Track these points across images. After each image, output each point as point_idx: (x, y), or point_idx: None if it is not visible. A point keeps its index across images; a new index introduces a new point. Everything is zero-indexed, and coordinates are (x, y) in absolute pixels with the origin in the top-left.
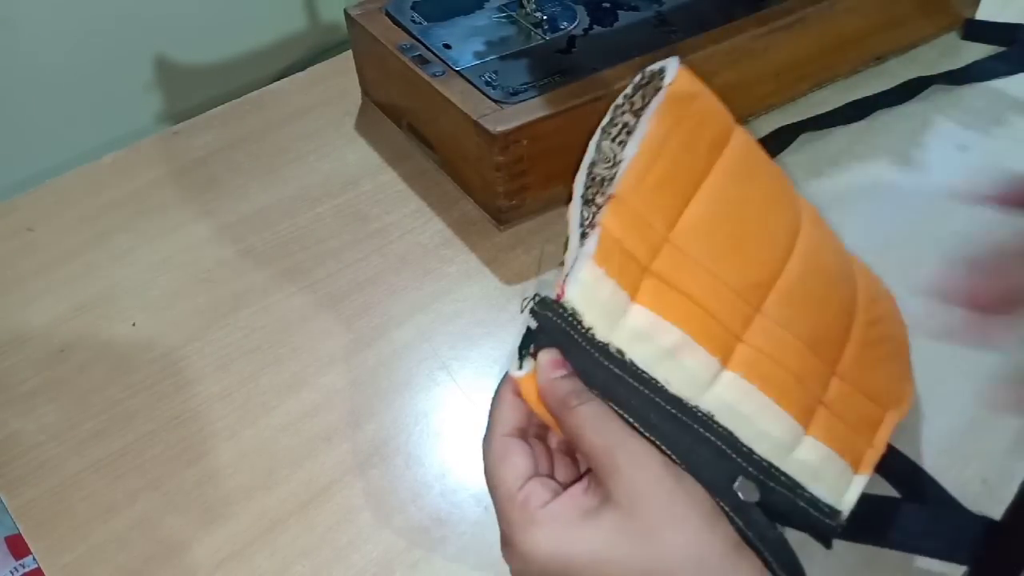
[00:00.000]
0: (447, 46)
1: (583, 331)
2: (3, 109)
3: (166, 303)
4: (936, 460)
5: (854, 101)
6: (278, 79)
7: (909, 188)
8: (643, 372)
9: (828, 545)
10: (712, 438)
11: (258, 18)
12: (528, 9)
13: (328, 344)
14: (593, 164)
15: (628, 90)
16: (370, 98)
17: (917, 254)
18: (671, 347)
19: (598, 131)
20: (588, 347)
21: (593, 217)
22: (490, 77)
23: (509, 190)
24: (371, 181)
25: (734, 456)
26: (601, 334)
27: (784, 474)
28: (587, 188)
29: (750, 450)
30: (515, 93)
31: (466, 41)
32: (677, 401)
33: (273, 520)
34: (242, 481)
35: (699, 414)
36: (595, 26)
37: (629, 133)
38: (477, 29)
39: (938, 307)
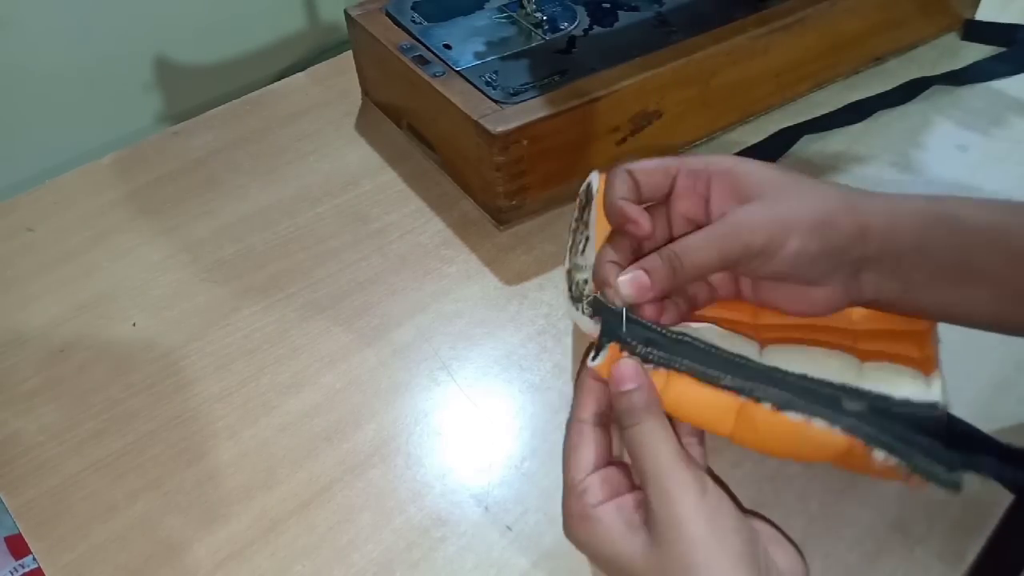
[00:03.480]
0: (447, 46)
1: (642, 321)
2: (3, 109)
3: (166, 303)
4: None
5: (854, 102)
6: (278, 79)
7: (908, 188)
8: (709, 341)
9: (946, 449)
10: (792, 381)
11: (258, 18)
12: (528, 9)
13: (328, 344)
14: (570, 271)
15: (575, 213)
16: (370, 98)
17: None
18: (719, 333)
19: (567, 252)
20: (648, 326)
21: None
22: (490, 77)
23: (509, 190)
24: (371, 181)
25: (821, 389)
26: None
27: (867, 390)
28: (571, 290)
29: (829, 381)
30: (515, 93)
31: (466, 41)
32: (747, 359)
33: (273, 520)
34: (242, 481)
35: (768, 368)
36: (595, 26)
37: (587, 242)
38: (477, 29)
39: None
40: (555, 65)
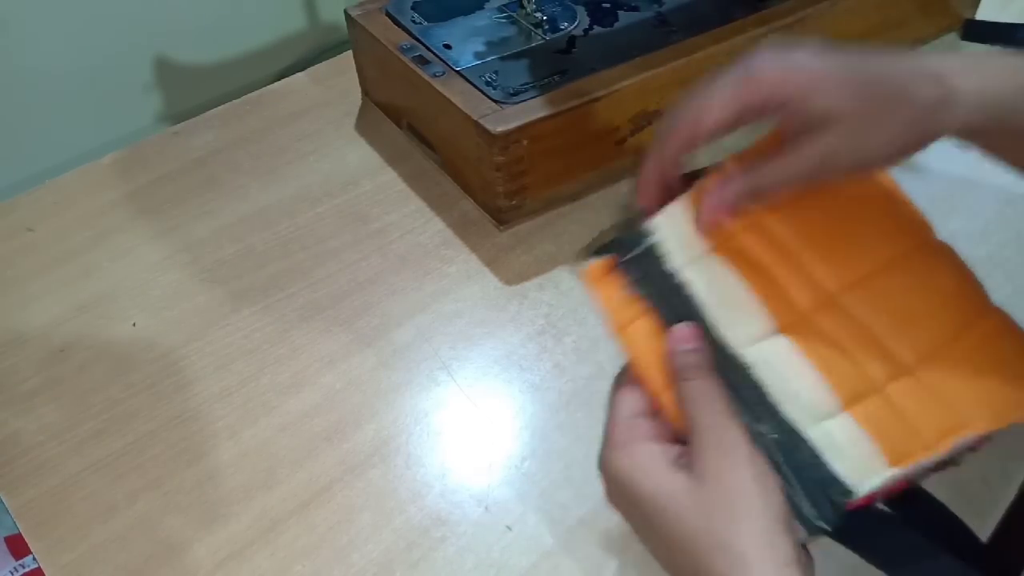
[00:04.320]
0: (447, 46)
1: (658, 256)
2: (3, 109)
3: (166, 303)
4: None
5: None
6: (278, 79)
7: (908, 188)
8: (697, 307)
9: (814, 532)
10: (749, 385)
11: (258, 18)
12: (528, 9)
13: (328, 344)
14: None
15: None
16: (370, 98)
17: None
18: (730, 298)
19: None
20: (654, 260)
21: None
22: (490, 77)
23: (509, 190)
24: (371, 181)
25: (756, 407)
26: (674, 263)
27: (804, 439)
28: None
29: (775, 407)
30: (515, 93)
31: (466, 41)
32: (720, 342)
33: (273, 520)
34: (242, 481)
35: (738, 360)
36: (595, 26)
37: None
38: (477, 29)
39: None
40: (555, 65)
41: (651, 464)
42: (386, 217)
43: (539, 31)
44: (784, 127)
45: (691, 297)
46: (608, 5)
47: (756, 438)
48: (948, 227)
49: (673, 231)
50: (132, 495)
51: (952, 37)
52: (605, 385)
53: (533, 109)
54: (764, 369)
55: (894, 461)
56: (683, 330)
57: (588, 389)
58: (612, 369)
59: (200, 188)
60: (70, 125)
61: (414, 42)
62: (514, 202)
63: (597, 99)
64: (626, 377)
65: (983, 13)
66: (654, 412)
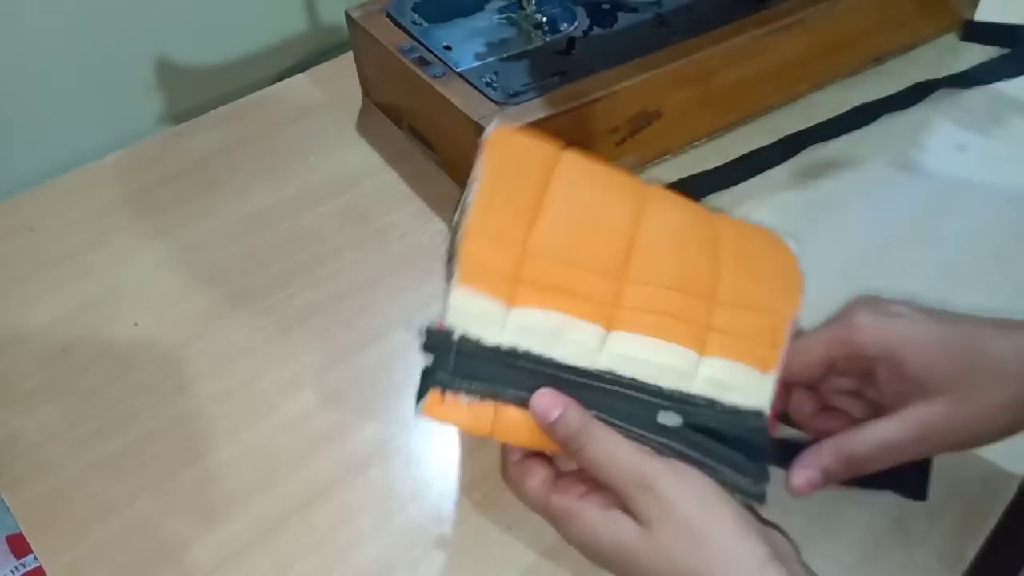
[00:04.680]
0: (448, 47)
1: (473, 342)
2: (4, 109)
3: (167, 303)
4: (936, 459)
5: (859, 106)
6: (279, 80)
7: (908, 188)
8: (539, 355)
9: (764, 462)
10: (619, 388)
11: (259, 19)
12: (528, 11)
13: (328, 344)
14: (453, 225)
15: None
16: (371, 99)
17: (916, 254)
18: (555, 328)
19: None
20: (480, 352)
21: (453, 258)
22: (490, 78)
23: None
24: (372, 181)
25: (645, 397)
26: (491, 340)
27: (695, 396)
28: (449, 246)
29: (658, 387)
30: (515, 94)
31: (466, 42)
32: (577, 370)
33: (273, 520)
34: (242, 481)
35: (601, 373)
36: (595, 27)
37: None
38: (477, 30)
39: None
40: (555, 66)
41: (596, 522)
42: (387, 217)
43: (539, 32)
44: (881, 382)
45: (527, 353)
46: (608, 6)
47: (662, 449)
48: (948, 227)
49: (469, 316)
50: (132, 495)
51: (952, 37)
52: None
53: (533, 110)
54: (625, 364)
55: (765, 367)
56: (541, 400)
57: None
58: None
59: (201, 188)
60: (71, 125)
61: (414, 43)
62: None
63: (597, 100)
64: (510, 467)
65: (982, 13)
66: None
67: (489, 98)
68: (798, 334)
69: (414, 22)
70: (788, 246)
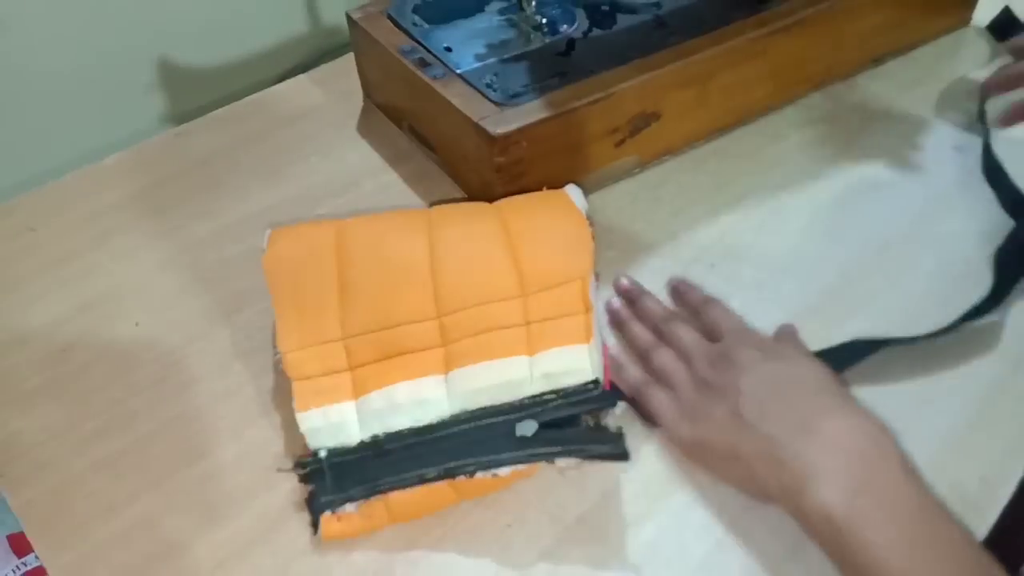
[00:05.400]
0: (448, 49)
1: (340, 451)
2: (5, 109)
3: (168, 303)
4: (936, 459)
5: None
6: (280, 81)
7: (907, 189)
8: (399, 431)
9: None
10: (475, 423)
11: (260, 20)
12: (528, 12)
13: None
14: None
15: None
16: (371, 100)
17: (915, 254)
18: (401, 400)
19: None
20: (350, 456)
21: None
22: (490, 79)
23: (509, 191)
24: (372, 182)
25: (500, 418)
26: (354, 440)
27: (540, 395)
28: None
29: (508, 404)
30: (515, 95)
31: (467, 44)
32: (432, 427)
33: (273, 520)
34: (243, 481)
35: (455, 418)
36: (594, 29)
37: None
38: (477, 32)
39: (934, 307)
40: (554, 67)
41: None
42: None
43: (539, 33)
44: None
45: (388, 435)
46: (607, 7)
47: (530, 459)
48: (948, 227)
49: (324, 432)
50: (133, 494)
51: (952, 37)
52: None
53: (533, 111)
54: (472, 399)
55: (587, 338)
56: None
57: None
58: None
59: (202, 189)
60: (72, 126)
61: (415, 44)
62: None
63: (596, 101)
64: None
65: (981, 14)
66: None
67: (489, 99)
68: None
69: (414, 23)
70: (572, 201)
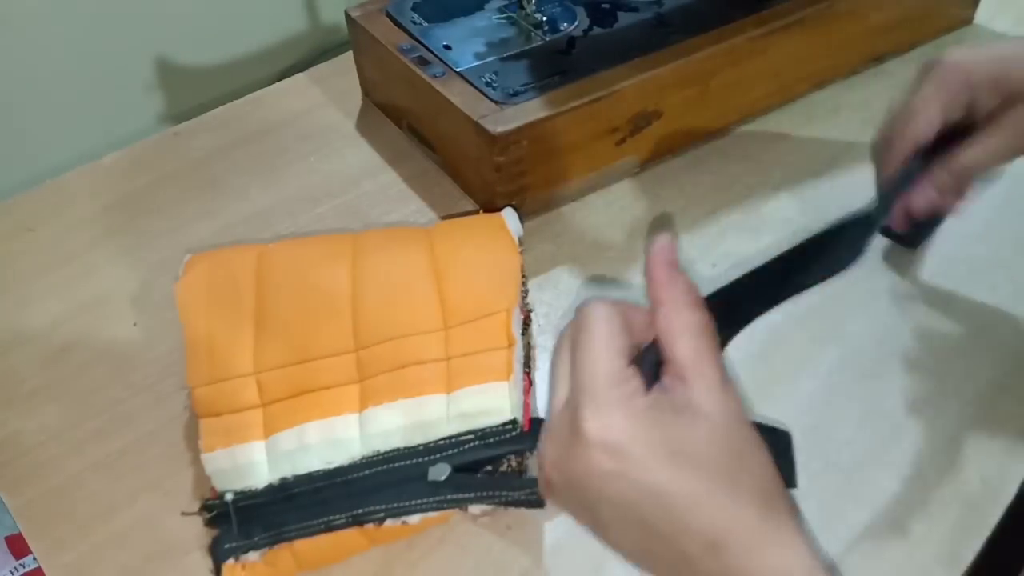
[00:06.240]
0: (447, 47)
1: (247, 494)
2: (4, 109)
3: (167, 303)
4: (936, 460)
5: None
6: (279, 80)
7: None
8: (308, 473)
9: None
10: (386, 467)
11: (259, 19)
12: (528, 10)
13: None
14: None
15: None
16: (371, 99)
17: (916, 254)
18: (312, 440)
19: None
20: (257, 500)
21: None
22: (490, 78)
23: (509, 190)
24: (372, 181)
25: (413, 461)
26: (262, 482)
27: (455, 436)
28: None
29: (424, 446)
30: (515, 94)
31: (466, 42)
32: (342, 469)
33: None
34: None
35: (366, 460)
36: (595, 27)
37: None
38: (477, 30)
39: (936, 312)
40: (555, 66)
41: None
42: (387, 217)
43: (539, 32)
44: (978, 108)
45: (297, 477)
46: (608, 6)
47: (440, 506)
48: (948, 227)
49: (231, 474)
50: (132, 495)
51: (952, 37)
52: None
53: (533, 110)
54: (385, 440)
55: (507, 375)
56: (664, 246)
57: None
58: None
59: (201, 188)
60: (70, 125)
61: (414, 43)
62: (514, 202)
63: (597, 100)
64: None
65: (982, 16)
66: None
67: (489, 98)
68: None
69: (414, 22)
70: (507, 227)
